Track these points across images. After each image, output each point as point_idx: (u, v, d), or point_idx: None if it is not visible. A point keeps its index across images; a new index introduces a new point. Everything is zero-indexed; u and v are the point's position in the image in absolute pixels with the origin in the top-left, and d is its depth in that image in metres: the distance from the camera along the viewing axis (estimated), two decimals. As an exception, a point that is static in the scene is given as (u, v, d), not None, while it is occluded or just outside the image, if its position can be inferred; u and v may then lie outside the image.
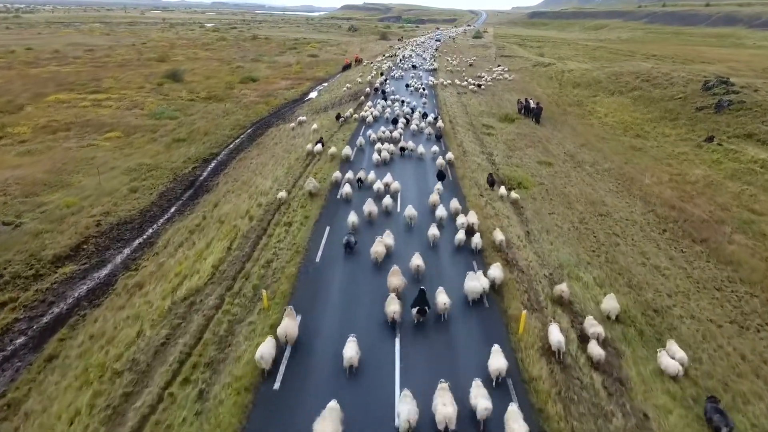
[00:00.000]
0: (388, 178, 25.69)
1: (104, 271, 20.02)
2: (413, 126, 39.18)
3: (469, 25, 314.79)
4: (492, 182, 28.43)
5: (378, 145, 32.26)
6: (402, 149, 32.72)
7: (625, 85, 56.08)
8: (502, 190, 26.90)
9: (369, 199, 22.29)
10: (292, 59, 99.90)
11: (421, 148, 32.64)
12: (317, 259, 18.07)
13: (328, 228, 20.55)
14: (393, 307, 14.37)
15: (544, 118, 48.85)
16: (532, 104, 53.25)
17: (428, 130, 38.39)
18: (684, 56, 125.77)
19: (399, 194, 24.99)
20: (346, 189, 24.71)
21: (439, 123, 41.36)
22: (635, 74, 57.71)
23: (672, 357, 13.79)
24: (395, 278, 15.88)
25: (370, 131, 36.52)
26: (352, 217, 20.49)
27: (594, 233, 23.54)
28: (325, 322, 14.48)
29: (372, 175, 26.39)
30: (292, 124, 42.84)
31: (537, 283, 17.66)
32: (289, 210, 22.41)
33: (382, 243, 18.16)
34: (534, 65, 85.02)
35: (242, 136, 42.69)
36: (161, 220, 25.15)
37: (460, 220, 21.20)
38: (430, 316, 14.81)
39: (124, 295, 17.52)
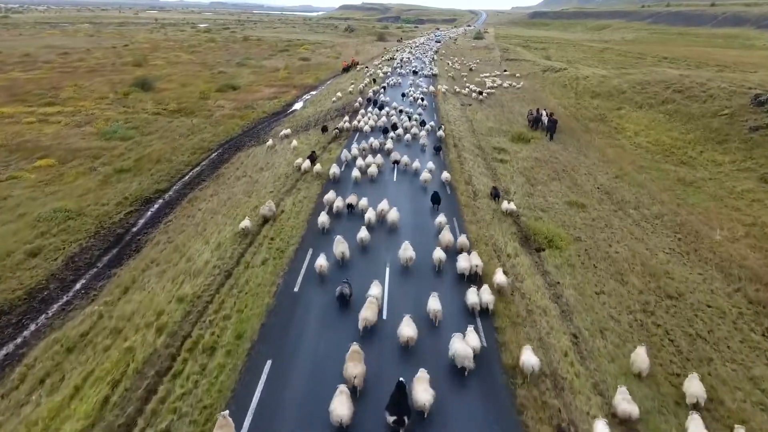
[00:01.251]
0: (383, 204, 22.00)
1: None
2: (409, 135, 35.62)
3: (469, 26, 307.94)
4: (497, 195, 26.07)
5: (360, 161, 28.52)
6: (395, 162, 29.38)
7: (653, 96, 48.80)
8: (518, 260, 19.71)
9: (338, 240, 18.21)
10: (280, 63, 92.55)
11: (416, 163, 29.15)
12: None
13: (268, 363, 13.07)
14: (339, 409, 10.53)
15: (560, 133, 41.59)
16: (544, 116, 46.09)
17: (423, 140, 34.80)
18: (695, 58, 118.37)
19: (396, 223, 21.27)
20: (322, 219, 20.48)
21: (441, 132, 37.04)
22: (664, 84, 50.46)
23: None
24: (352, 365, 11.82)
25: (354, 145, 32.54)
26: (321, 261, 16.94)
27: (668, 333, 16.27)
28: None
29: (365, 201, 22.42)
30: (269, 142, 35.56)
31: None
32: (223, 309, 15.07)
33: (372, 304, 14.42)
34: (543, 70, 77.70)
35: (203, 163, 35.32)
36: (53, 309, 17.83)
37: (471, 298, 15.89)
38: None
39: None
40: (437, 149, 33.32)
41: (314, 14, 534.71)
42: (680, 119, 42.58)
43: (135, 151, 35.91)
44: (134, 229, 24.59)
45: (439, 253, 18.32)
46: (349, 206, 22.40)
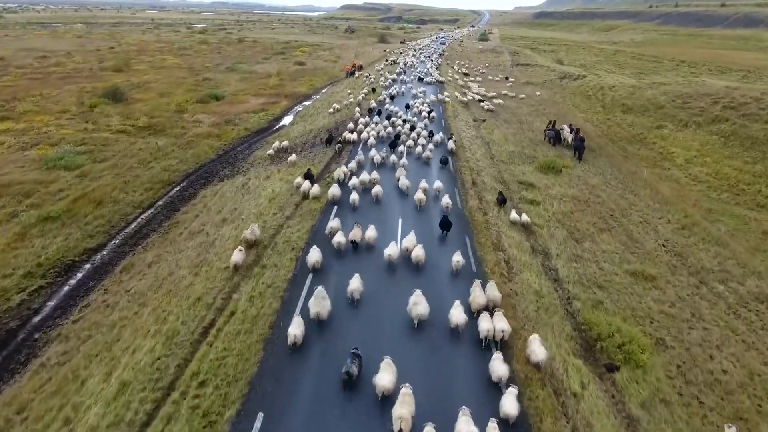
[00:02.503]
0: (410, 239, 18.52)
1: None
2: (419, 149, 32.04)
3: (473, 26, 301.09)
4: (503, 201, 24.70)
5: (355, 180, 24.97)
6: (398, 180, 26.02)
7: (700, 113, 41.78)
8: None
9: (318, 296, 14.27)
10: (274, 68, 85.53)
11: (424, 184, 24.63)
12: None
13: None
14: None
15: (595, 158, 34.71)
16: (567, 132, 39.29)
17: (427, 153, 31.33)
18: (714, 62, 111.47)
19: (422, 263, 17.67)
20: (314, 256, 16.96)
21: (451, 143, 33.71)
22: (710, 98, 43.44)
23: None
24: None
25: (353, 161, 28.91)
26: (294, 329, 13.10)
27: None
28: None
29: (372, 231, 19.08)
30: (241, 178, 28.71)
31: None
32: None
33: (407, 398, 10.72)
34: (561, 77, 70.62)
35: (159, 204, 28.36)
36: None
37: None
38: None
39: None
40: (444, 161, 30.11)
41: (315, 14, 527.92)
42: (740, 143, 35.53)
43: (76, 187, 28.91)
44: (36, 320, 17.62)
45: (458, 315, 14.25)
46: (353, 243, 18.57)
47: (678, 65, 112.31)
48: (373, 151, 29.97)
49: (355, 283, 15.30)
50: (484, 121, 45.91)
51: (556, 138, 39.36)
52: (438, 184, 24.87)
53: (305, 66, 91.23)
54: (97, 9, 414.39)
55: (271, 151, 34.10)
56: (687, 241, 23.56)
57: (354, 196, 22.81)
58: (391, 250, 17.76)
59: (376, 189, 23.97)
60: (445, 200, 22.97)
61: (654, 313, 17.73)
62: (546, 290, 18.10)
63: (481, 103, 52.94)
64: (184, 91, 62.24)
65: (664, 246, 23.05)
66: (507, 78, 74.05)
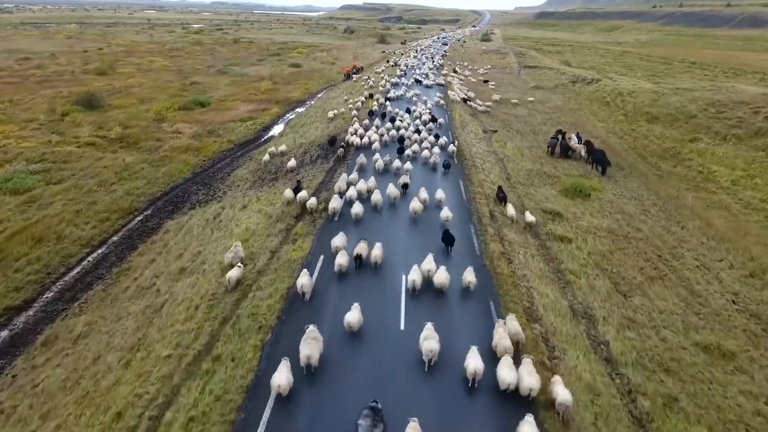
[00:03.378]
0: (428, 263, 16.44)
1: None
2: (425, 153, 30.36)
3: (474, 26, 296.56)
4: (503, 198, 24.38)
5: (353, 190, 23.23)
6: (404, 186, 24.35)
7: (738, 124, 37.13)
8: None
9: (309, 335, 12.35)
10: (267, 70, 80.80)
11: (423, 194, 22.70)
12: None
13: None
14: None
15: (623, 175, 30.18)
16: (574, 141, 35.09)
17: (434, 159, 29.50)
18: (727, 64, 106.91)
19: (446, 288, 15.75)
20: (303, 280, 14.91)
21: (453, 147, 32.03)
22: (748, 106, 38.79)
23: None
24: None
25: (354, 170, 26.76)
26: (277, 379, 10.91)
27: None
28: None
29: (379, 250, 17.33)
30: (215, 206, 24.06)
31: None
32: None
33: None
34: (572, 81, 65.89)
35: (112, 240, 23.62)
36: None
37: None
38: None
39: None
40: (446, 166, 28.90)
41: (315, 14, 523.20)
42: (793, 162, 30.85)
43: (17, 218, 24.23)
44: None
45: (475, 362, 12.13)
46: (358, 258, 17.00)
47: (689, 67, 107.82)
48: (377, 156, 28.44)
49: (354, 315, 13.49)
50: (495, 132, 41.26)
51: (564, 150, 34.93)
52: (441, 194, 23.16)
53: (301, 68, 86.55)
54: (95, 9, 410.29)
55: (266, 157, 30.82)
56: (761, 295, 18.89)
57: (357, 209, 20.97)
58: (415, 275, 15.78)
59: (376, 197, 22.40)
60: (445, 213, 20.96)
61: (748, 416, 13.07)
62: (601, 382, 13.42)
63: (468, 104, 49.12)
64: (168, 96, 57.62)
65: (734, 303, 18.38)
66: (486, 81, 68.88)
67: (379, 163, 27.56)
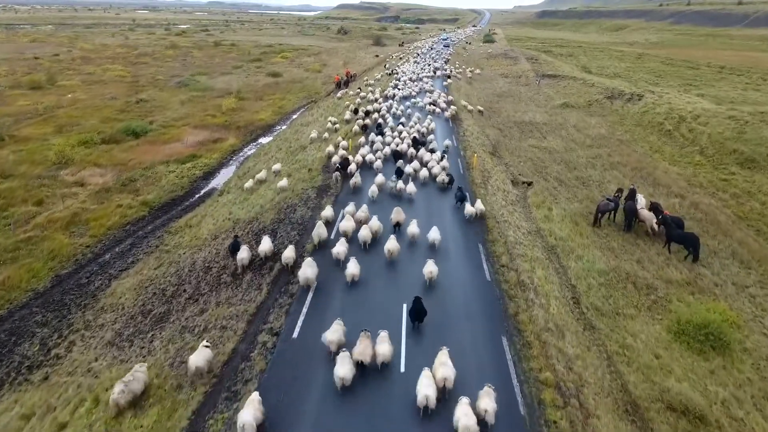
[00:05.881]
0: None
1: None
2: (423, 172, 26.37)
3: (474, 26, 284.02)
4: (462, 198, 22.42)
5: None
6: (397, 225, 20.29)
7: None
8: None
9: None
10: (237, 83, 67.95)
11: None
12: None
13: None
14: None
15: (746, 275, 17.85)
16: (645, 211, 22.89)
17: (442, 177, 25.84)
18: (758, 67, 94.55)
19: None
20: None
21: (444, 162, 27.51)
22: None
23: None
24: None
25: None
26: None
27: None
28: None
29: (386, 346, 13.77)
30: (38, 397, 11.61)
31: None
32: None
33: None
34: (607, 96, 53.23)
35: None
36: None
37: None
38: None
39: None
40: (460, 199, 23.09)
41: (311, 14, 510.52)
42: None
43: None
44: None
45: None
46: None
47: (720, 72, 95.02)
48: (379, 177, 25.17)
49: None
50: (530, 184, 28.68)
51: (629, 219, 22.73)
52: (435, 234, 18.88)
53: (279, 78, 73.78)
54: (85, 9, 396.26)
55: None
56: None
57: (352, 270, 16.01)
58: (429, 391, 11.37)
59: (364, 233, 18.48)
60: (429, 268, 16.35)
61: None
62: None
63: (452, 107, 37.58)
64: (101, 120, 44.94)
65: None
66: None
67: (373, 190, 23.68)
